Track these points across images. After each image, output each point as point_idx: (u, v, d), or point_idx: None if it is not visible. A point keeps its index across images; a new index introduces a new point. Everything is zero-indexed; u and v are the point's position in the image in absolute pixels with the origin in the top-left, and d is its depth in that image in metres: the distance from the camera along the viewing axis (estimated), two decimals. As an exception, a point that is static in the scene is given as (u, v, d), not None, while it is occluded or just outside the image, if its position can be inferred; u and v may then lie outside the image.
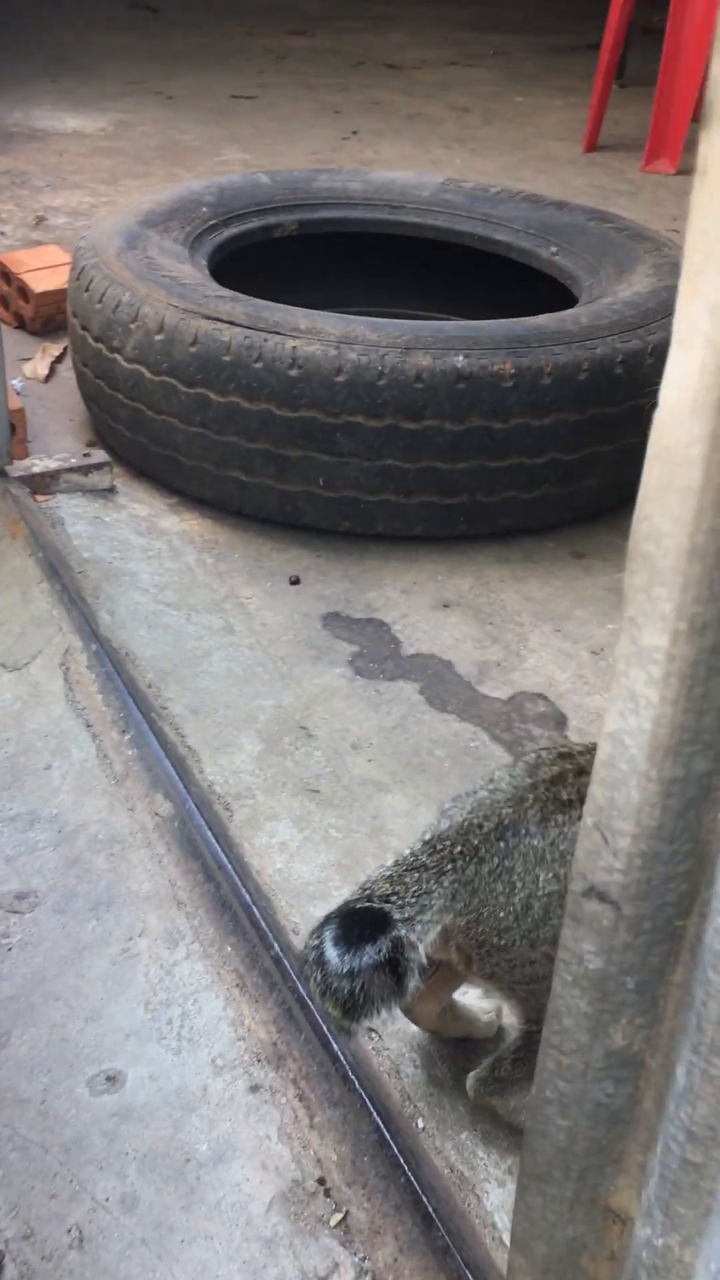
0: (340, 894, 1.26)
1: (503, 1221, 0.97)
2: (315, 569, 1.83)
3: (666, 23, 3.87)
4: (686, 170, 3.91)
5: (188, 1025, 1.14)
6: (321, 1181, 1.01)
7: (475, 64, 5.39)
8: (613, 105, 4.21)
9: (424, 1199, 0.95)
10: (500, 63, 5.45)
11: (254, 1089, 1.09)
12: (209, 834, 1.26)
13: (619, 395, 1.82)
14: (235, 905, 1.17)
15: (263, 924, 1.14)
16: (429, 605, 1.77)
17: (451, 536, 1.88)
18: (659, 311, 1.89)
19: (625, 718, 0.49)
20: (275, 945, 1.12)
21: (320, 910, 1.22)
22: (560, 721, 1.56)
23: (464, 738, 1.52)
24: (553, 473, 1.83)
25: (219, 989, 1.16)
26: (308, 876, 1.28)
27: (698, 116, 4.39)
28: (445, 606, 1.77)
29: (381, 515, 1.83)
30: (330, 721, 1.53)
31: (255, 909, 1.16)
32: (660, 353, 1.81)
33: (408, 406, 1.74)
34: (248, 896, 1.17)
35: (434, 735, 1.52)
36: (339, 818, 1.38)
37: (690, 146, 3.99)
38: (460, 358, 1.75)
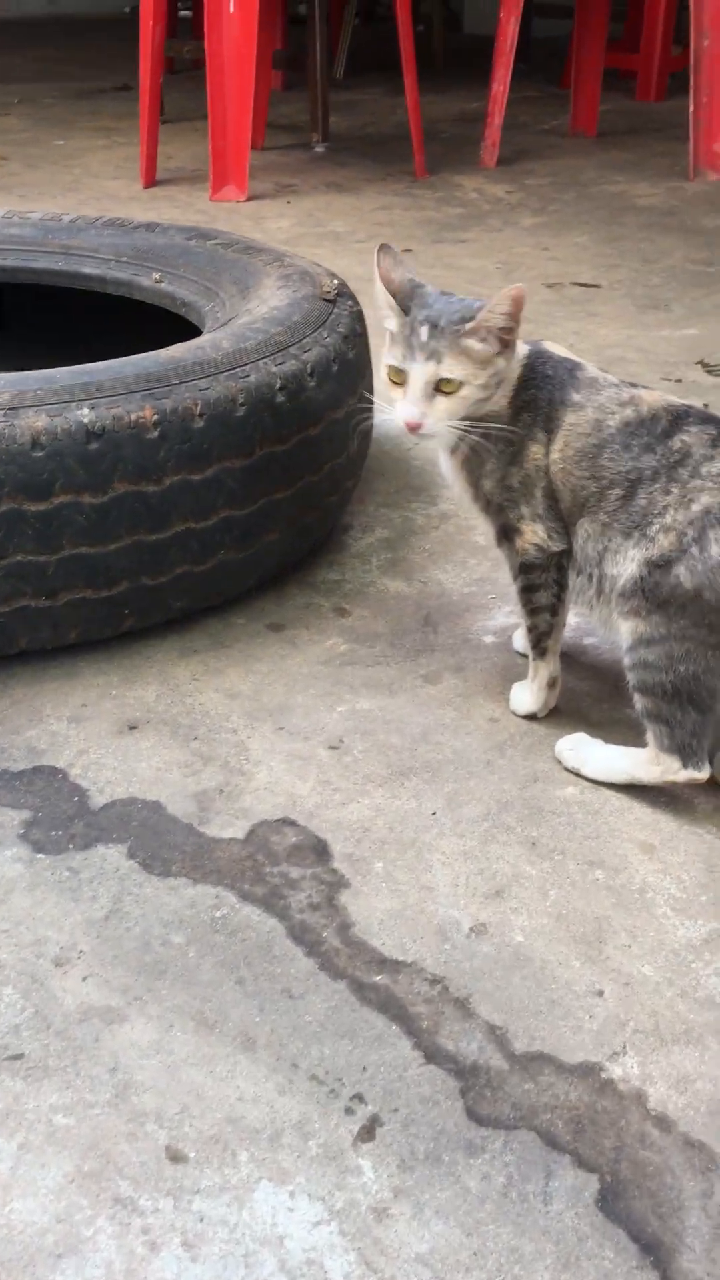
0: (99, 1226, 0.82)
1: None
2: (-54, 716, 1.36)
3: (202, 57, 3.64)
4: (255, 195, 3.70)
5: None
6: None
7: (2, 113, 4.96)
8: (160, 141, 3.95)
9: None
10: (29, 109, 5.06)
11: None
12: None
13: (286, 428, 1.48)
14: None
15: None
16: (111, 731, 1.35)
17: (118, 636, 1.48)
18: (307, 325, 1.58)
19: None
20: None
21: (74, 1273, 0.79)
22: (321, 851, 1.19)
23: (204, 908, 1.12)
24: (227, 535, 1.47)
25: None
26: (41, 1219, 0.83)
27: (256, 144, 4.22)
28: (132, 728, 1.36)
29: (21, 627, 1.40)
30: (14, 934, 1.08)
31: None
32: (322, 371, 1.50)
33: (29, 483, 1.32)
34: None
35: (163, 915, 1.11)
36: (62, 1090, 0.93)
37: (254, 173, 3.79)
38: (85, 410, 1.35)
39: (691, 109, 3.81)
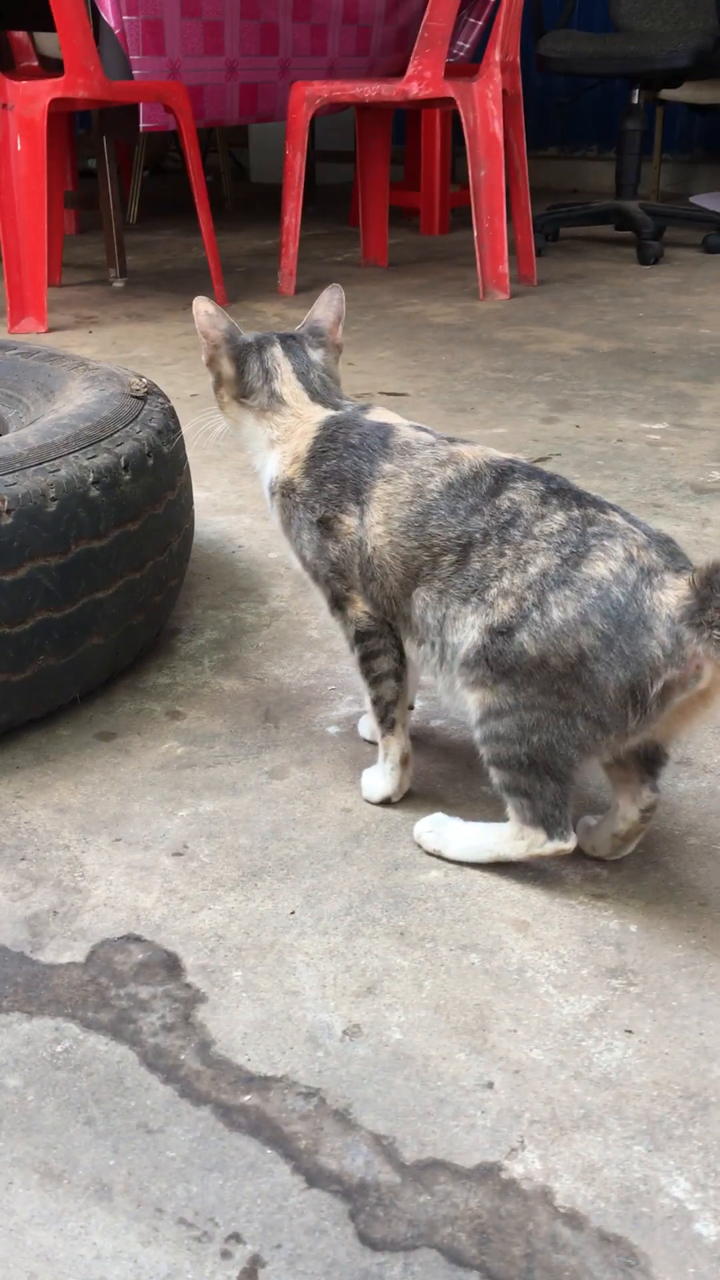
0: None
1: None
2: None
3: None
4: (56, 327, 3.67)
5: None
6: None
7: None
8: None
9: None
10: None
11: None
12: None
13: (104, 523, 1.41)
14: None
15: None
16: None
17: (-72, 757, 1.35)
18: (118, 420, 1.52)
19: None
20: None
21: None
22: (172, 965, 1.08)
23: (43, 1043, 0.99)
24: (46, 639, 1.37)
25: None
26: None
27: (54, 280, 4.22)
28: (-51, 856, 1.22)
29: None
30: None
31: None
32: (137, 465, 1.44)
33: None
34: None
35: (-3, 1056, 0.97)
36: None
37: (54, 307, 3.78)
38: None
39: (476, 234, 4.00)
